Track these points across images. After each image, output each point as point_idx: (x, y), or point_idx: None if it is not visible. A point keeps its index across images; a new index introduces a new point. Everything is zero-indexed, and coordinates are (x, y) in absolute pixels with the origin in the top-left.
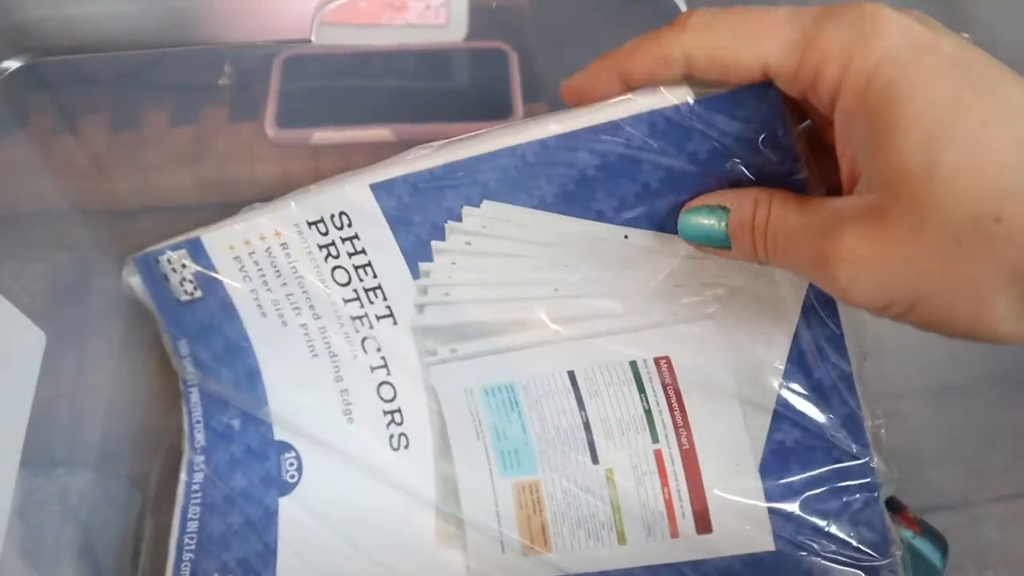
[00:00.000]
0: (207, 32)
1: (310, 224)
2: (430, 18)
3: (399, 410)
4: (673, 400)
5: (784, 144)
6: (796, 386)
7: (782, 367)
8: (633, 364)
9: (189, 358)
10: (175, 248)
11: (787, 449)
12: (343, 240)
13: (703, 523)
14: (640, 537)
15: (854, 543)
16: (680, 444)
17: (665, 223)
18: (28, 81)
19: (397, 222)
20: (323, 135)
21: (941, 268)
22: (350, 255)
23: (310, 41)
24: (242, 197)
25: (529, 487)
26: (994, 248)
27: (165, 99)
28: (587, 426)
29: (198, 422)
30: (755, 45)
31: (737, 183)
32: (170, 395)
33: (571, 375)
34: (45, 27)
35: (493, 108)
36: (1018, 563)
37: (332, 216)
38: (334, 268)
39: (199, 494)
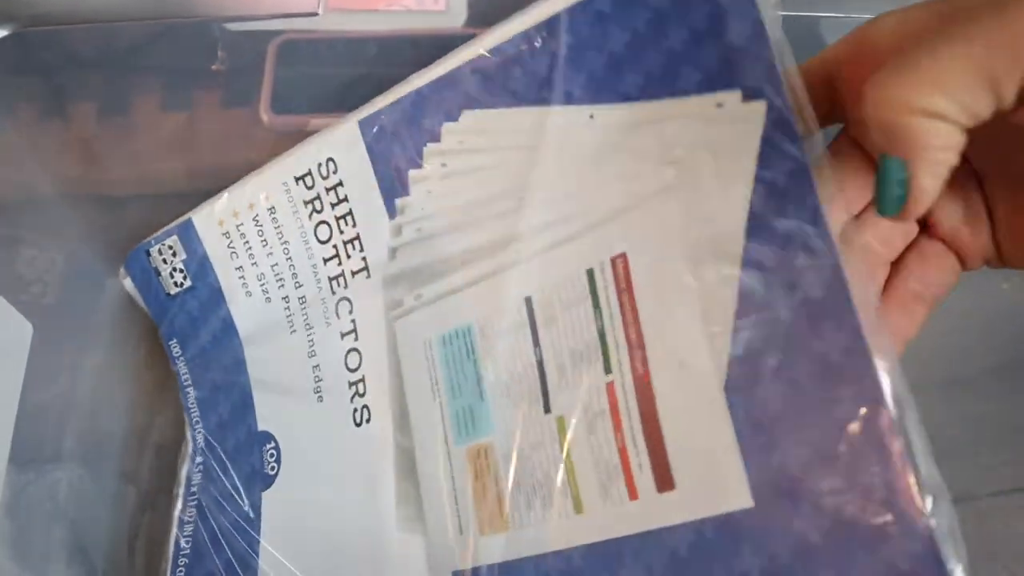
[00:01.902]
0: (207, 5)
1: (297, 179)
2: (428, 4)
3: (362, 379)
4: (628, 311)
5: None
6: (761, 247)
7: (743, 225)
8: (590, 273)
9: (182, 358)
10: (166, 236)
11: (756, 353)
12: (327, 191)
13: (663, 477)
14: (597, 502)
15: (856, 490)
16: (634, 369)
17: (631, 91)
18: (16, 54)
19: (378, 157)
20: (320, 121)
21: None
22: (333, 205)
23: (316, 14)
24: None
25: (483, 451)
26: None
27: (156, 84)
28: (540, 365)
29: (197, 422)
30: None
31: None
32: (159, 389)
33: (528, 302)
34: None
35: None
36: None
37: (319, 165)
38: (317, 224)
39: (195, 496)
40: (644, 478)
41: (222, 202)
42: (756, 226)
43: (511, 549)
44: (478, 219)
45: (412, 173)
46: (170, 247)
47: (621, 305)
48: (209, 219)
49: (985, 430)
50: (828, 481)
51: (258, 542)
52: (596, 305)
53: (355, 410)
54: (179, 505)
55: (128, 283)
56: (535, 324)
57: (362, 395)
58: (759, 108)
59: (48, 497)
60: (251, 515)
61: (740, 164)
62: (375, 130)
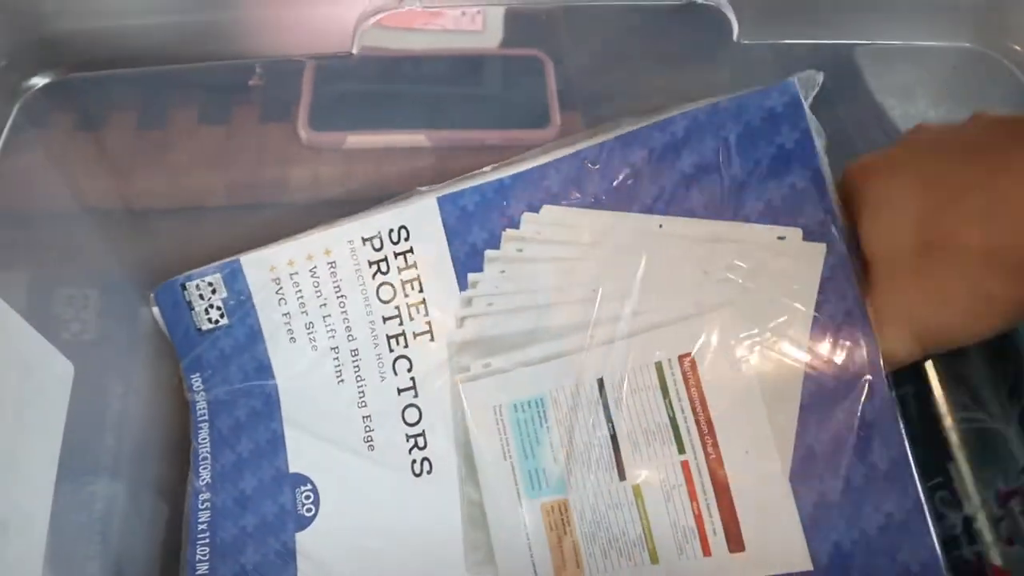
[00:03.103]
0: (241, 46)
1: (365, 240)
2: (466, 24)
3: (423, 433)
4: (697, 403)
5: (801, 137)
6: (819, 370)
7: (805, 351)
8: (658, 365)
9: (202, 393)
10: (208, 272)
11: (816, 451)
12: (396, 255)
13: (735, 540)
14: (672, 556)
15: (899, 560)
16: (707, 453)
17: (696, 209)
18: (55, 95)
19: (455, 233)
20: (358, 139)
21: None
22: (400, 270)
23: (351, 55)
24: (272, 199)
25: (558, 507)
26: None
27: (194, 98)
28: (614, 438)
29: (204, 459)
30: None
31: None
32: None
33: (600, 383)
34: (75, 42)
35: (529, 116)
36: None
37: (390, 231)
38: (380, 285)
39: (207, 533)
40: (717, 541)
41: (276, 249)
42: (816, 354)
43: None
44: (554, 303)
45: (488, 252)
46: (210, 284)
47: (691, 397)
48: (260, 263)
49: None
50: (874, 557)
51: None
52: (665, 393)
53: (414, 461)
54: (188, 541)
55: (156, 312)
56: (607, 403)
57: (422, 448)
58: (820, 249)
59: (85, 510)
60: (283, 553)
61: (802, 296)
62: (455, 208)
